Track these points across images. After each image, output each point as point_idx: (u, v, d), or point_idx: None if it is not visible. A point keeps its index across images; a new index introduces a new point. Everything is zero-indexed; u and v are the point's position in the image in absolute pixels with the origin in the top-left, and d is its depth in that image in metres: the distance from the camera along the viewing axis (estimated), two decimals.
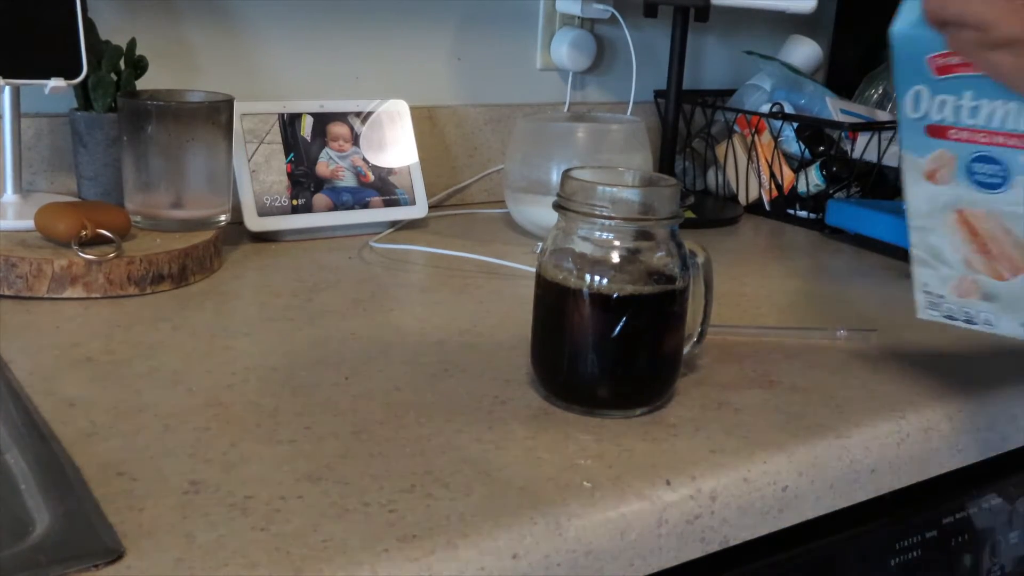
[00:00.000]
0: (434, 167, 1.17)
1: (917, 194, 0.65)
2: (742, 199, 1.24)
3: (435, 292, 0.87)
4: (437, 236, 1.04)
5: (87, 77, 0.89)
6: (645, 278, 0.61)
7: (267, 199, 0.98)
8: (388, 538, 0.47)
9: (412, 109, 1.09)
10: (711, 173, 1.30)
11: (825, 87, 1.29)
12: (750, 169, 1.23)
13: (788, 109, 1.23)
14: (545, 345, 0.64)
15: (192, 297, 0.81)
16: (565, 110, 1.27)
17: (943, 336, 0.82)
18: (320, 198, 1.01)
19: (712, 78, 1.42)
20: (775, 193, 1.21)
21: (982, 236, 0.64)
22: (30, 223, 0.82)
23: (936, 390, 0.70)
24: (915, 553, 0.70)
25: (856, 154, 1.16)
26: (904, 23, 0.61)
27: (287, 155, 1.00)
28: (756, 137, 1.21)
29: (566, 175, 0.62)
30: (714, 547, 0.56)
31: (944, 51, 0.60)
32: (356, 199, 1.03)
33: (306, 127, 1.02)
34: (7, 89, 0.87)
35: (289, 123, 1.01)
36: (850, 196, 1.18)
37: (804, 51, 1.34)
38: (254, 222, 0.97)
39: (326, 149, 1.03)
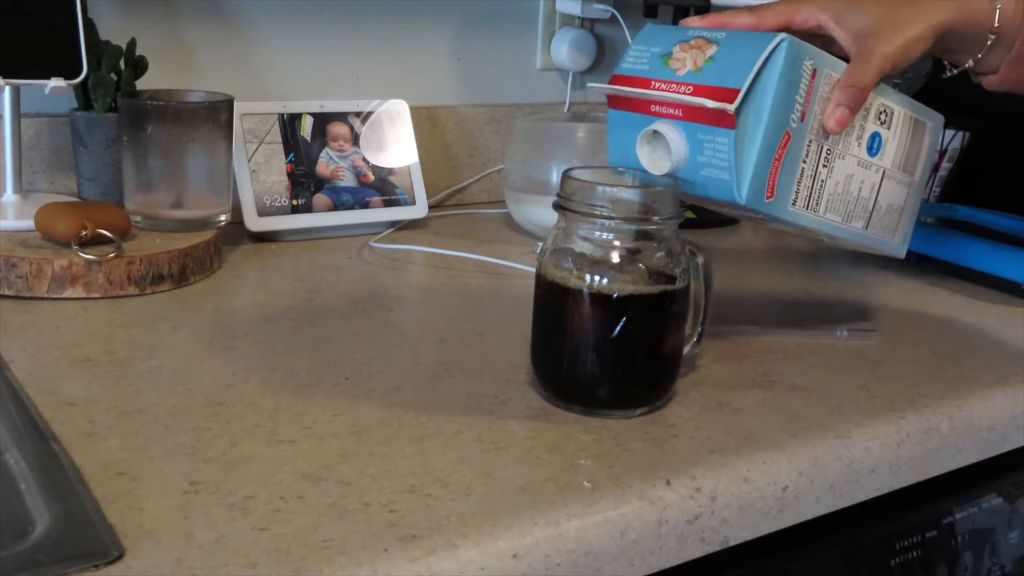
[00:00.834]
0: (434, 167, 1.17)
1: None
2: None
3: (435, 292, 0.87)
4: (437, 236, 1.04)
5: (87, 77, 0.89)
6: (645, 278, 0.61)
7: (267, 199, 0.98)
8: (388, 538, 0.47)
9: (412, 109, 1.09)
10: None
11: None
12: None
13: None
14: (545, 345, 0.64)
15: (192, 297, 0.81)
16: (565, 110, 1.27)
17: (943, 336, 0.82)
18: (320, 198, 1.01)
19: None
20: None
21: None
22: (30, 223, 0.82)
23: (936, 390, 0.70)
24: (915, 553, 0.70)
25: None
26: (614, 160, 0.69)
27: (287, 155, 1.00)
28: None
29: (566, 175, 0.62)
30: (714, 547, 0.56)
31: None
32: (356, 199, 1.03)
33: (306, 127, 1.02)
34: (7, 89, 0.87)
35: (289, 123, 1.01)
36: None
37: None
38: (254, 222, 0.97)
39: (326, 149, 1.03)
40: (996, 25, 0.70)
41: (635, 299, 0.60)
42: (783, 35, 0.63)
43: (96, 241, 0.80)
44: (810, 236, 0.73)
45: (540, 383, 0.65)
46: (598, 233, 0.61)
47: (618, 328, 0.60)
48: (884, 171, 0.71)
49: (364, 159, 1.04)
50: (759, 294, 0.91)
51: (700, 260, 0.65)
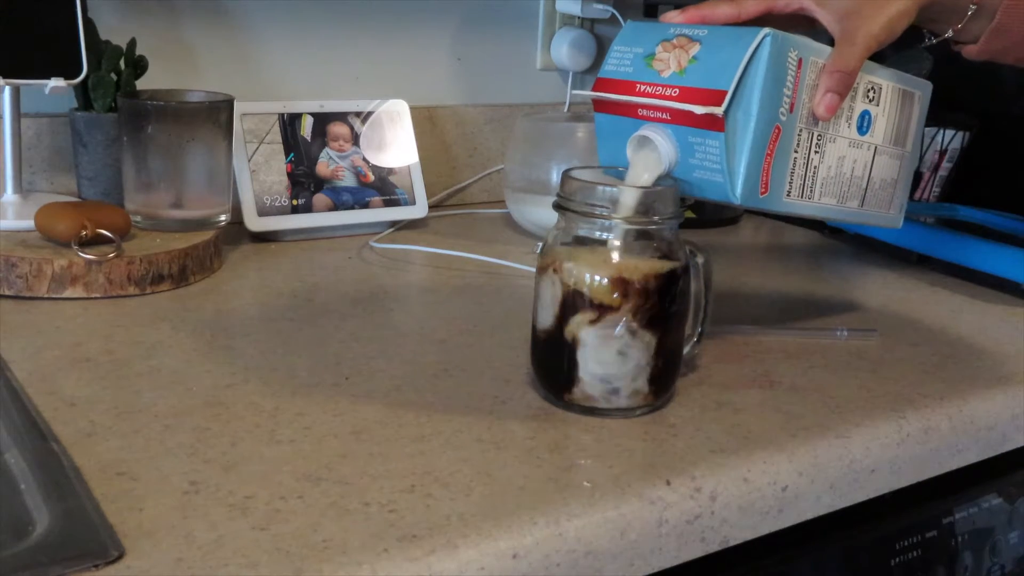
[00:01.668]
0: (434, 167, 1.17)
1: None
2: None
3: (435, 292, 0.87)
4: (437, 236, 1.04)
5: (87, 77, 0.89)
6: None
7: (267, 199, 0.98)
8: (388, 538, 0.47)
9: (412, 109, 1.09)
10: None
11: None
12: None
13: None
14: (545, 345, 0.64)
15: (192, 297, 0.81)
16: (565, 110, 1.27)
17: (943, 336, 0.82)
18: (320, 198, 1.01)
19: None
20: None
21: None
22: (30, 223, 0.82)
23: (936, 390, 0.70)
24: (915, 553, 0.70)
25: None
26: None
27: (287, 155, 1.00)
28: None
29: (566, 175, 0.62)
30: (714, 547, 0.56)
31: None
32: (356, 199, 1.03)
33: (306, 127, 1.02)
34: (7, 89, 0.87)
35: (289, 123, 1.01)
36: None
37: None
38: (254, 222, 0.97)
39: (326, 149, 1.03)
40: None
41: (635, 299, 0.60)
42: (765, 30, 0.62)
43: (96, 241, 0.80)
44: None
45: (540, 383, 0.65)
46: (598, 233, 0.61)
47: (618, 328, 0.60)
48: (876, 147, 0.72)
49: (364, 159, 1.04)
50: (759, 294, 0.91)
51: (700, 260, 0.65)
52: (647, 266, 0.60)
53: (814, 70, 0.65)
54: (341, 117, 1.04)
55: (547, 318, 0.63)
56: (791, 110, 0.64)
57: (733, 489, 0.56)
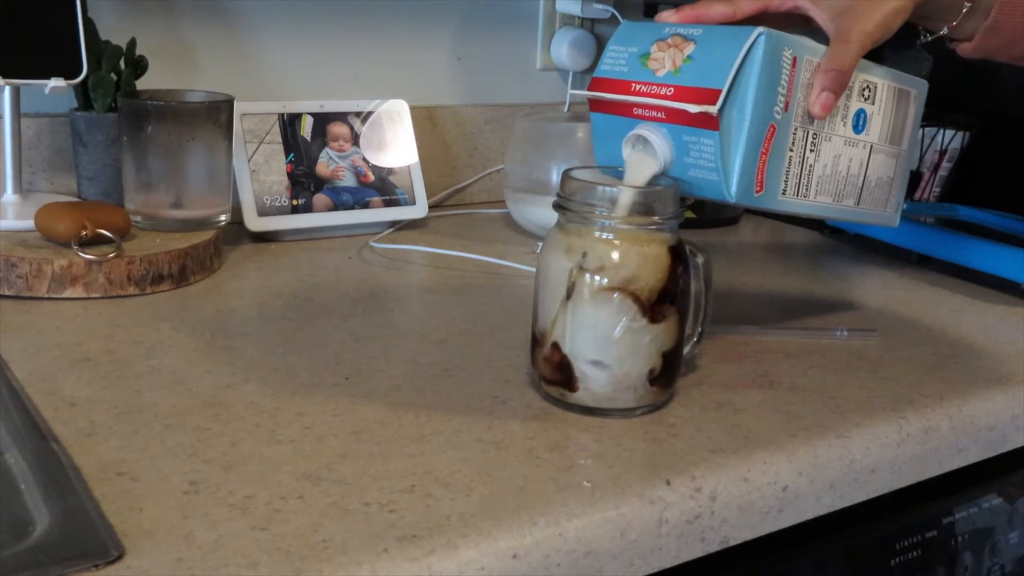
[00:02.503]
0: (434, 167, 1.17)
1: None
2: None
3: (435, 292, 0.87)
4: (437, 236, 1.04)
5: (87, 77, 0.89)
6: None
7: (267, 199, 0.98)
8: (388, 538, 0.47)
9: (412, 109, 1.09)
10: None
11: None
12: None
13: None
14: (545, 345, 0.64)
15: (192, 297, 0.81)
16: (565, 110, 1.27)
17: (943, 336, 0.82)
18: (320, 198, 1.01)
19: None
20: None
21: None
22: (30, 223, 0.82)
23: (936, 390, 0.70)
24: (915, 553, 0.70)
25: None
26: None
27: (287, 155, 1.00)
28: None
29: (566, 175, 0.62)
30: (714, 547, 0.56)
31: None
32: (356, 199, 1.03)
33: (306, 127, 1.02)
34: (7, 89, 0.87)
35: (289, 123, 1.01)
36: None
37: None
38: (254, 222, 0.97)
39: (326, 149, 1.03)
40: None
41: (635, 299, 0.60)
42: (760, 30, 0.62)
43: (96, 241, 0.80)
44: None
45: (540, 382, 0.65)
46: (598, 233, 0.61)
47: (618, 328, 0.60)
48: (871, 146, 0.72)
49: (364, 159, 1.04)
50: (759, 294, 0.91)
51: (700, 260, 0.65)
52: (647, 266, 0.60)
53: (809, 68, 0.65)
54: (341, 117, 1.04)
55: (547, 317, 0.63)
56: (786, 108, 0.64)
57: (733, 489, 0.56)
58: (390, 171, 1.06)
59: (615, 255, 0.60)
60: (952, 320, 0.86)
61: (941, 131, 1.15)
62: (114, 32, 0.95)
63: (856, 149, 0.71)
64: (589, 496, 0.53)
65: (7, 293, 0.77)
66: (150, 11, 1.00)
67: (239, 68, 1.06)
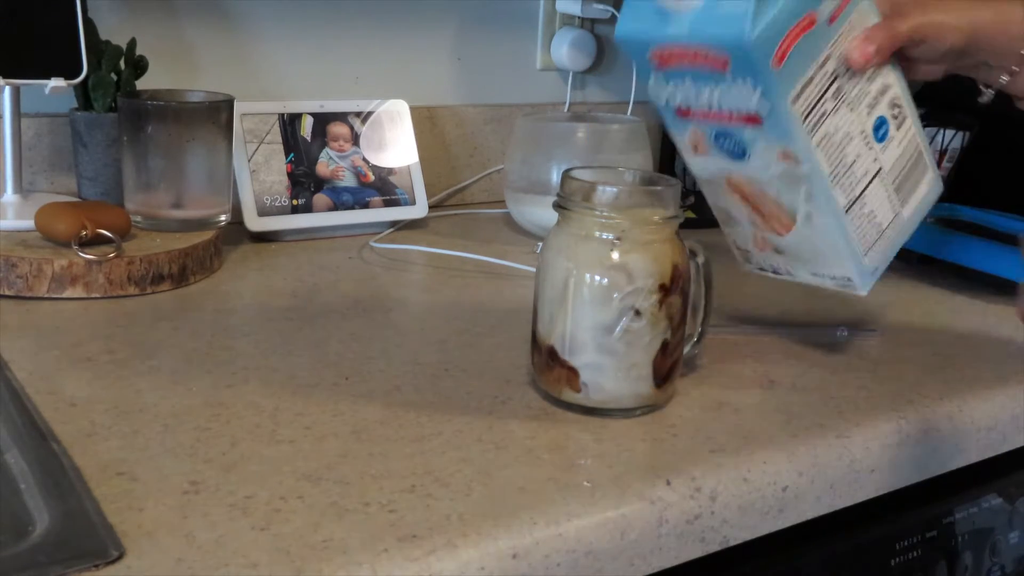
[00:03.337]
0: (434, 167, 1.17)
1: (693, 165, 0.72)
2: None
3: (435, 292, 0.87)
4: (437, 236, 1.04)
5: (87, 77, 0.89)
6: None
7: (267, 199, 0.98)
8: (388, 538, 0.47)
9: (412, 109, 1.09)
10: None
11: None
12: None
13: None
14: (545, 344, 0.64)
15: (192, 297, 0.81)
16: (565, 110, 1.27)
17: (943, 336, 0.82)
18: (320, 198, 1.01)
19: None
20: None
21: (751, 198, 0.70)
22: (30, 223, 0.82)
23: (936, 390, 0.70)
24: (915, 553, 0.70)
25: None
26: (624, 26, 0.67)
27: (287, 155, 1.00)
28: None
29: (566, 175, 0.62)
30: (714, 547, 0.56)
31: (661, 44, 0.66)
32: (356, 199, 1.03)
33: (306, 127, 1.02)
34: (7, 89, 0.87)
35: (289, 123, 1.01)
36: None
37: None
38: (254, 222, 0.97)
39: (326, 149, 1.03)
40: None
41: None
42: None
43: (96, 241, 0.80)
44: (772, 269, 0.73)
45: (540, 382, 0.65)
46: (598, 233, 0.61)
47: (618, 328, 0.60)
48: (880, 168, 0.70)
49: (364, 159, 1.04)
50: (759, 294, 0.91)
51: (700, 260, 0.65)
52: (647, 266, 0.60)
53: (859, 15, 0.65)
54: (341, 117, 1.04)
55: (548, 317, 0.63)
56: (829, 21, 0.63)
57: (733, 489, 0.56)
58: (390, 171, 1.06)
59: (615, 255, 0.60)
60: (952, 320, 0.86)
61: (941, 131, 1.15)
62: (114, 32, 0.95)
63: (866, 151, 0.68)
64: (589, 496, 0.53)
65: (7, 293, 0.77)
66: (150, 11, 1.00)
67: (239, 68, 1.06)
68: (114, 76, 0.92)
